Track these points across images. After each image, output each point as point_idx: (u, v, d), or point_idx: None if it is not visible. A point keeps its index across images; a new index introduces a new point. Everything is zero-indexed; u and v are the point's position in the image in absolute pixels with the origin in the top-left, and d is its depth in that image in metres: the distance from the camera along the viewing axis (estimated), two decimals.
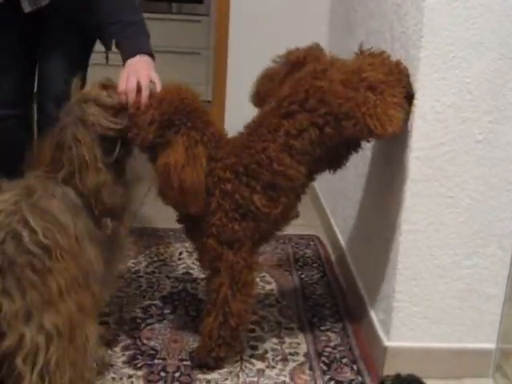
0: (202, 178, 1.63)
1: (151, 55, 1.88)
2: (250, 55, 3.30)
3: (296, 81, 1.67)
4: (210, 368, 1.76)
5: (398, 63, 1.66)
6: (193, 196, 1.63)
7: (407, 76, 1.64)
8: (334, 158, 1.75)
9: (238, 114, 3.13)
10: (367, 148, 2.04)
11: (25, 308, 1.40)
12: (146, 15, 6.46)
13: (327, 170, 1.80)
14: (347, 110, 1.57)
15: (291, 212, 1.77)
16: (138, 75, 1.72)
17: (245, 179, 1.66)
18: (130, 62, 1.81)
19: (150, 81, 1.73)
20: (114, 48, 2.09)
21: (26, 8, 2.12)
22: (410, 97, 1.62)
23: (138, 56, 1.82)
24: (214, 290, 1.72)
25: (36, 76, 2.26)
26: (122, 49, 1.88)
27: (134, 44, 1.87)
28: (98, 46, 2.41)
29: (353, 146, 1.76)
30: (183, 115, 1.64)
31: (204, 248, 1.72)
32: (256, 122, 1.70)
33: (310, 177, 1.74)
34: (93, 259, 1.62)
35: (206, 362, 1.76)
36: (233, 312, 1.71)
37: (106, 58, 2.45)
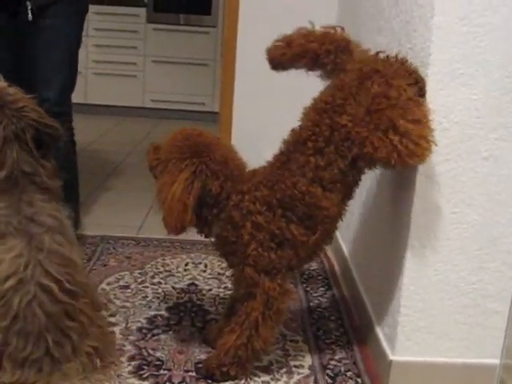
0: (181, 204, 1.61)
1: None
2: (258, 67, 3.31)
3: (317, 113, 1.66)
4: (215, 380, 1.77)
5: (417, 77, 1.65)
6: (169, 217, 1.62)
7: (423, 82, 1.63)
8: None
9: (246, 125, 3.17)
10: None
11: (71, 346, 1.63)
12: (153, 26, 6.54)
13: None
14: (380, 156, 1.57)
15: (329, 238, 1.76)
16: None
17: (280, 211, 1.66)
18: None
19: None
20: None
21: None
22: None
23: None
24: (244, 313, 1.73)
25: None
26: None
27: None
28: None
29: None
30: (193, 154, 1.65)
31: (241, 275, 1.72)
32: (284, 154, 1.69)
33: (346, 200, 1.73)
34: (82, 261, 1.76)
35: (213, 373, 1.77)
36: (260, 336, 1.73)
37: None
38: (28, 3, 2.34)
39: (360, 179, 1.72)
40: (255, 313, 1.71)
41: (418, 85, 1.62)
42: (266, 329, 1.73)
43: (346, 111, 1.61)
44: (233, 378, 1.77)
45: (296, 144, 1.67)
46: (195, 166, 1.63)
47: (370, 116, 1.57)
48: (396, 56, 1.68)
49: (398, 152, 1.54)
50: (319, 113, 1.66)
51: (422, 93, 1.62)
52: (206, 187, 1.65)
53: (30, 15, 2.36)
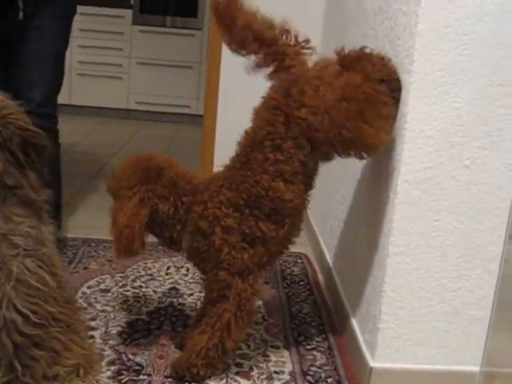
0: (129, 231, 1.66)
1: None
2: (243, 70, 3.31)
3: (269, 112, 1.68)
4: (186, 381, 1.76)
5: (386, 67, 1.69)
6: (118, 243, 1.68)
7: (396, 78, 1.67)
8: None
9: (230, 128, 3.16)
10: (357, 168, 2.06)
11: (42, 370, 1.58)
12: (139, 28, 6.51)
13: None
14: (343, 143, 1.63)
15: (296, 229, 1.79)
16: None
17: (248, 211, 1.68)
18: None
19: None
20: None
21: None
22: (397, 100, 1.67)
23: None
24: (216, 314, 1.74)
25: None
26: None
27: None
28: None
29: None
30: (140, 181, 1.71)
31: (215, 279, 1.73)
32: (242, 155, 1.72)
33: (307, 190, 1.77)
34: (61, 270, 1.71)
35: (183, 375, 1.77)
36: (231, 337, 1.74)
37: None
38: (20, 2, 2.31)
39: (318, 168, 1.77)
40: (227, 314, 1.72)
41: (392, 84, 1.66)
42: (237, 329, 1.74)
43: (303, 102, 1.63)
44: (202, 379, 1.77)
45: (253, 144, 1.70)
46: (142, 194, 1.69)
47: (347, 102, 1.60)
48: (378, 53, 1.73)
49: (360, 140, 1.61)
50: (272, 111, 1.68)
51: (394, 95, 1.66)
52: (159, 211, 1.70)
53: (21, 14, 2.33)
